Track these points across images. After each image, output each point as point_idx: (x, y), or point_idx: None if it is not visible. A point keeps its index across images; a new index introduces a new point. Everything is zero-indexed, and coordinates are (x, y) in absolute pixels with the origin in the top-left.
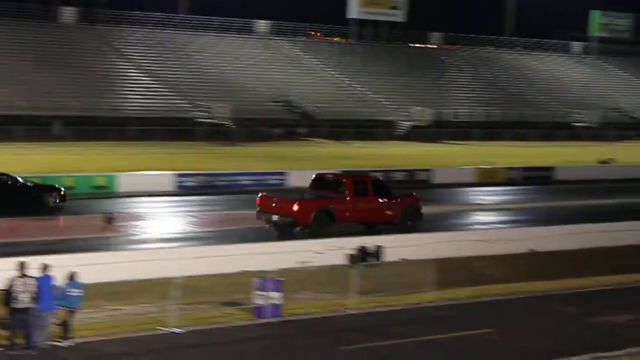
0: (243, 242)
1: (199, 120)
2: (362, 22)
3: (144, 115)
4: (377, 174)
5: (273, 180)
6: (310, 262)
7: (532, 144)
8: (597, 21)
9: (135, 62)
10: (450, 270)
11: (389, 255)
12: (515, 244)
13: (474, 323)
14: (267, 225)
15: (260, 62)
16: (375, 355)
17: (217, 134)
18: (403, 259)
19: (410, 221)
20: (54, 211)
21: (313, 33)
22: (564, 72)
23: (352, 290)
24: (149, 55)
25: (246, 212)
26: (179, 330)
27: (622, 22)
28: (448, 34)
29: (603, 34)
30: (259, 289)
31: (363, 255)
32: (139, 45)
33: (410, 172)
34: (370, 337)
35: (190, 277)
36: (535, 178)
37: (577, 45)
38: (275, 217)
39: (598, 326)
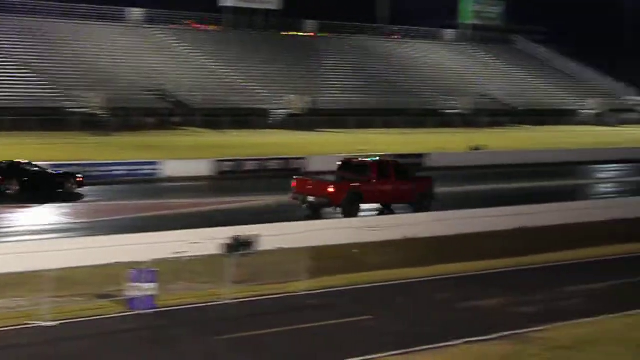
0: (117, 233)
1: (72, 109)
2: (236, 10)
3: (16, 105)
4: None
5: (147, 170)
6: (186, 252)
7: (405, 131)
8: (469, 9)
9: (5, 50)
10: (326, 258)
11: (265, 244)
12: (389, 230)
13: (349, 310)
14: (303, 206)
15: (134, 50)
16: (251, 344)
17: (90, 123)
18: (279, 248)
19: (424, 200)
20: (74, 196)
21: (187, 22)
22: (437, 60)
23: (228, 279)
24: (19, 43)
25: (120, 202)
26: (53, 323)
27: (492, 9)
28: (323, 22)
29: (474, 22)
30: (133, 280)
31: (238, 245)
32: (9, 33)
33: (286, 160)
34: (246, 327)
35: (63, 269)
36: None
37: (449, 33)
38: (311, 198)
39: (470, 311)
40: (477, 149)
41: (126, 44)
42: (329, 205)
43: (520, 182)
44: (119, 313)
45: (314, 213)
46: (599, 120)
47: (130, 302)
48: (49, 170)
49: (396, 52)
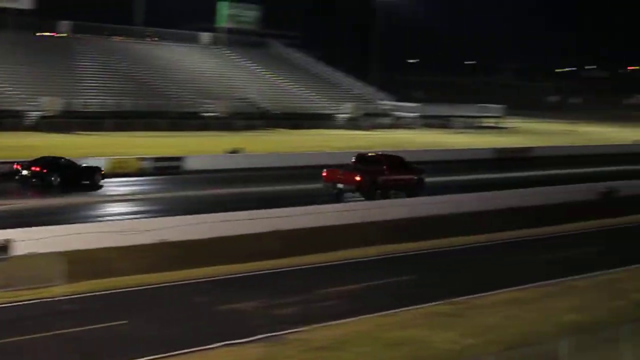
0: None
1: None
2: None
3: None
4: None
5: None
6: None
7: (163, 134)
8: (225, 12)
9: None
10: (81, 263)
11: (19, 249)
12: (146, 234)
13: (105, 315)
14: (334, 192)
15: None
16: (5, 351)
17: None
18: (33, 252)
19: (417, 188)
20: (99, 188)
21: None
22: (193, 63)
23: None
24: None
25: None
26: None
27: (248, 13)
28: (77, 23)
29: (230, 25)
30: None
31: None
32: None
33: None
34: (0, 333)
35: None
36: (165, 168)
37: (205, 36)
38: (340, 185)
39: (227, 314)
40: (234, 152)
41: None
42: (355, 191)
43: (277, 184)
44: None
45: (339, 198)
46: (353, 124)
47: None
48: (81, 164)
49: (153, 55)
